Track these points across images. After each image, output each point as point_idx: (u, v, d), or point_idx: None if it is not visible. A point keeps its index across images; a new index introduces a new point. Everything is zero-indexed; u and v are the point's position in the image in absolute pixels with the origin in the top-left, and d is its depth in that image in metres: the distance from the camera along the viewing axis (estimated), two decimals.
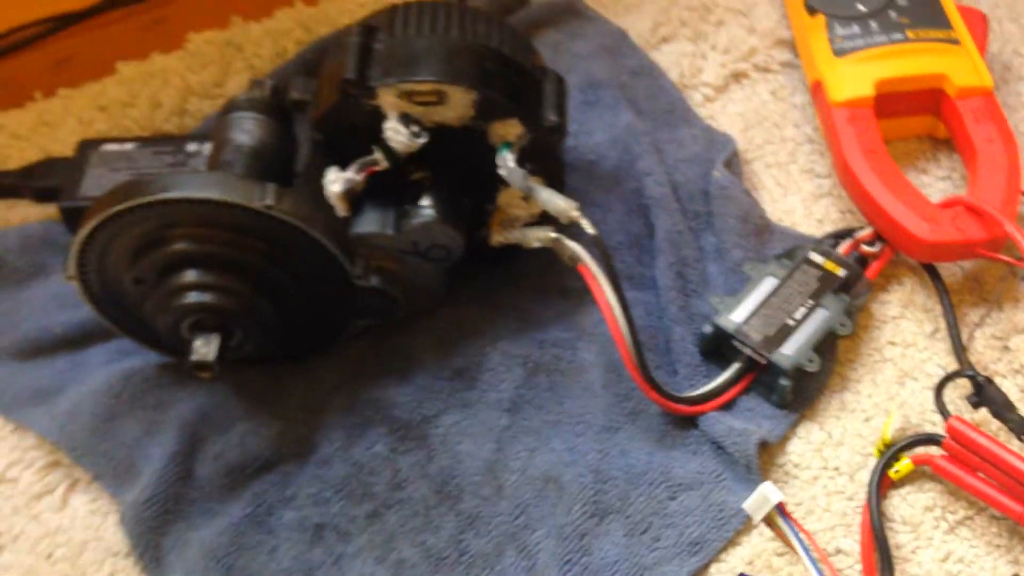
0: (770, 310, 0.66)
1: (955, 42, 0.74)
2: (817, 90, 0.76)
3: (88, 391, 0.68)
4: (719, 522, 0.62)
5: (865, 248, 0.70)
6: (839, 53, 0.74)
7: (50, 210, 0.76)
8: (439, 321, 0.70)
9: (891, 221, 0.68)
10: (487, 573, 0.62)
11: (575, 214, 0.63)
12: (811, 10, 0.77)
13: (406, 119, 0.63)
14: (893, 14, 0.76)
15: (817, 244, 0.70)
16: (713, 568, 0.62)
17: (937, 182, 0.75)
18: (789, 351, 0.65)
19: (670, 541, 0.62)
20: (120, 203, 0.60)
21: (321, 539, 0.63)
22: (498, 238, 0.68)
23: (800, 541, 0.59)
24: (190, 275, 0.62)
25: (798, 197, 0.76)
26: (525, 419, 0.67)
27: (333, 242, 0.63)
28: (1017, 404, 0.63)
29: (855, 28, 0.75)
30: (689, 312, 0.70)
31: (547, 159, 0.66)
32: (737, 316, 0.66)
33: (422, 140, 0.63)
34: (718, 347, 0.67)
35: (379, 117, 0.63)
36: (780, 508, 0.60)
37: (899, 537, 0.62)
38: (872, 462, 0.64)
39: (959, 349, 0.66)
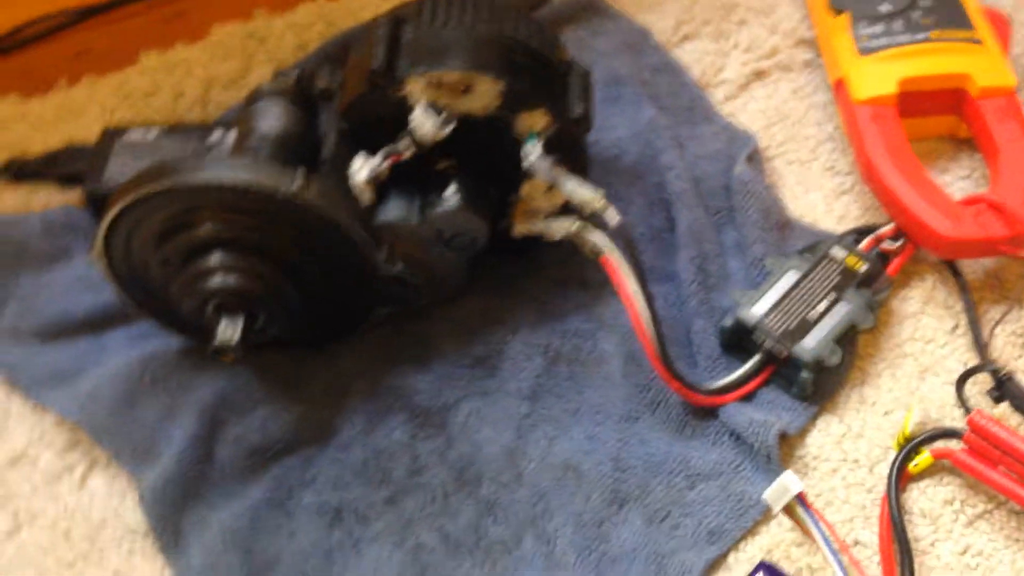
0: (791, 304, 0.67)
1: (978, 42, 0.75)
2: (840, 88, 0.76)
3: (109, 373, 0.68)
4: (738, 512, 0.62)
5: (887, 244, 0.70)
6: (863, 52, 0.75)
7: (72, 196, 0.77)
8: (460, 310, 0.71)
9: (913, 218, 0.68)
10: (505, 559, 0.62)
11: (601, 204, 0.63)
12: (835, 9, 0.78)
13: (433, 109, 0.63)
14: (917, 14, 0.76)
15: (839, 239, 0.70)
16: (731, 557, 0.62)
17: (958, 181, 0.75)
18: (810, 344, 0.65)
19: (689, 530, 0.62)
20: (149, 186, 0.61)
21: (340, 523, 0.64)
22: (520, 229, 0.68)
23: (820, 531, 0.59)
24: (215, 258, 0.63)
25: (819, 194, 0.76)
26: (545, 408, 0.67)
27: (358, 229, 0.63)
28: None
29: (879, 27, 0.76)
30: (710, 305, 0.70)
31: (572, 151, 0.66)
32: (758, 309, 0.67)
33: (448, 129, 0.63)
34: (739, 340, 0.67)
35: (406, 107, 0.63)
36: (800, 498, 0.60)
37: (918, 530, 0.62)
38: (891, 455, 0.64)
39: (980, 345, 0.67)
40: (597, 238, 0.65)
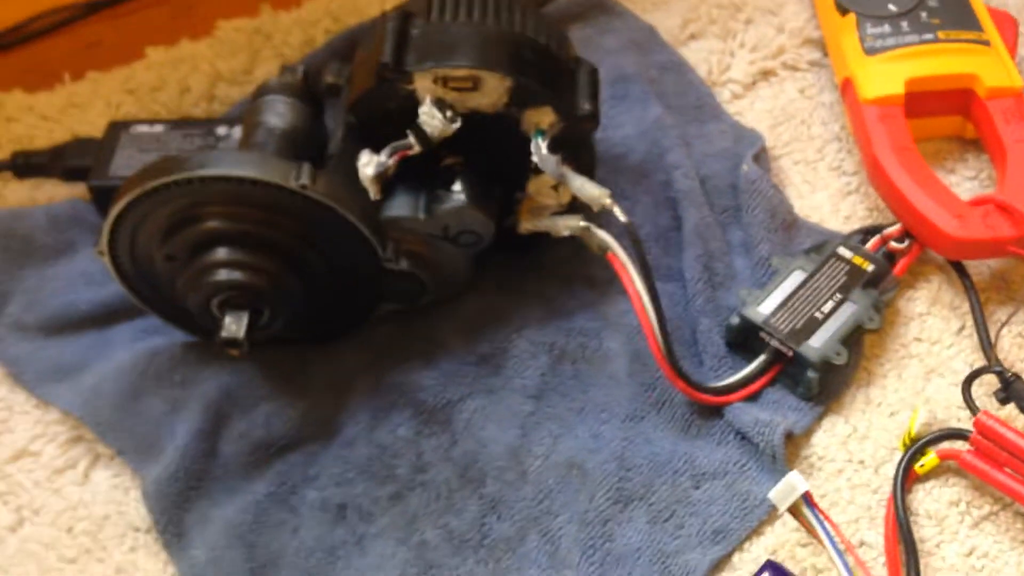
0: (798, 303, 0.66)
1: (985, 43, 0.75)
2: (847, 88, 0.76)
3: (113, 368, 0.68)
4: (743, 511, 0.62)
5: (893, 244, 0.70)
6: (870, 52, 0.75)
7: (77, 189, 0.77)
8: (465, 307, 0.71)
9: (921, 218, 0.68)
10: (509, 556, 0.62)
11: (608, 201, 0.63)
12: (842, 9, 0.78)
13: (441, 104, 0.63)
14: (924, 15, 0.76)
15: (846, 239, 0.70)
16: (736, 557, 0.62)
17: (964, 182, 0.75)
18: (817, 344, 0.65)
19: (693, 529, 0.62)
20: (156, 179, 0.61)
21: (344, 519, 0.63)
22: (527, 226, 0.68)
23: (826, 531, 0.59)
24: (221, 253, 0.63)
25: (825, 194, 0.76)
26: (550, 406, 0.67)
27: (365, 224, 0.63)
28: None
29: (886, 27, 0.76)
30: (716, 304, 0.70)
31: (579, 148, 0.66)
32: (765, 308, 0.66)
33: (456, 126, 0.63)
34: (744, 339, 0.67)
35: (414, 102, 0.63)
36: (806, 497, 0.60)
37: (923, 531, 0.61)
38: (897, 456, 0.63)
39: (987, 346, 0.66)
40: (603, 236, 0.65)
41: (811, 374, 0.64)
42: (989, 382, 0.66)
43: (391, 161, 0.63)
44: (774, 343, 0.66)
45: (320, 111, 0.72)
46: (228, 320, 0.63)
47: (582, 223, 0.66)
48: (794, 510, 0.61)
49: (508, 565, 0.62)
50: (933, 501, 0.62)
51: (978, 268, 0.71)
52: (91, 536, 0.64)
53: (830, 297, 0.67)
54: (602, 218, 0.65)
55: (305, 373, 0.68)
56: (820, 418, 0.66)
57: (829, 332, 0.65)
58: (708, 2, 0.86)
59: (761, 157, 0.77)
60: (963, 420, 0.65)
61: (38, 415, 0.69)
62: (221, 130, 0.75)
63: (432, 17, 0.65)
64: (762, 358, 0.66)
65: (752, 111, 0.81)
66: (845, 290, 0.67)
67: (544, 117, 0.64)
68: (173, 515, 0.63)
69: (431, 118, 0.62)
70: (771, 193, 0.73)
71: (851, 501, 0.63)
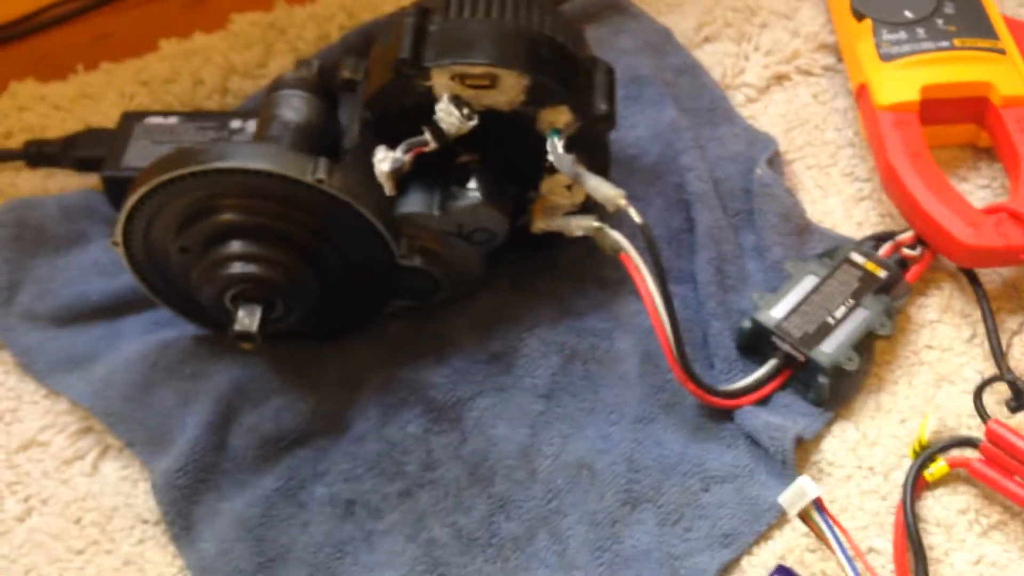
0: (810, 308, 0.66)
1: (1001, 52, 0.75)
2: (862, 94, 0.76)
3: (123, 359, 0.68)
4: (752, 515, 0.62)
5: (906, 251, 0.70)
6: (886, 58, 0.75)
7: (89, 180, 0.77)
8: (477, 306, 0.71)
9: (934, 225, 0.68)
10: (518, 556, 0.62)
11: (623, 202, 0.63)
12: (858, 15, 0.78)
13: (458, 101, 0.63)
14: (940, 22, 0.76)
15: (858, 245, 0.70)
16: (744, 561, 0.62)
17: (977, 190, 0.75)
18: (828, 349, 0.65)
19: (702, 532, 0.62)
20: (172, 170, 0.61)
21: (352, 515, 0.63)
22: (540, 225, 0.68)
23: (836, 537, 0.59)
24: (236, 246, 0.63)
25: (838, 199, 0.76)
26: (560, 406, 0.67)
27: (380, 220, 0.63)
28: None
29: (902, 34, 0.76)
30: (727, 307, 0.70)
31: (594, 148, 0.66)
32: (777, 312, 0.66)
33: (472, 123, 0.63)
34: (756, 343, 0.67)
35: (430, 98, 0.63)
36: (817, 503, 0.60)
37: (932, 538, 0.61)
38: (906, 463, 0.64)
39: (998, 354, 0.66)
40: (617, 237, 0.65)
41: (822, 379, 0.64)
42: (999, 391, 0.66)
43: (407, 157, 0.63)
44: (786, 348, 0.66)
45: (334, 106, 0.72)
46: (241, 313, 0.63)
47: (595, 223, 0.66)
48: (803, 515, 0.61)
49: (517, 564, 0.62)
50: (942, 508, 0.62)
51: (990, 276, 0.71)
52: (99, 527, 0.64)
53: (842, 303, 0.67)
54: (615, 219, 0.65)
55: (316, 368, 0.68)
56: (830, 424, 0.66)
57: (841, 338, 0.65)
58: (723, 5, 0.86)
59: (774, 161, 0.77)
60: (972, 428, 0.65)
61: (47, 405, 0.69)
62: (235, 123, 0.75)
63: (450, 13, 0.65)
64: (773, 362, 0.66)
65: (765, 115, 0.81)
66: (857, 296, 0.67)
67: (560, 116, 0.64)
68: (182, 508, 0.63)
69: (448, 115, 0.62)
70: (784, 197, 0.73)
71: (860, 507, 0.63)
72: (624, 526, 0.63)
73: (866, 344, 0.67)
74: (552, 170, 0.65)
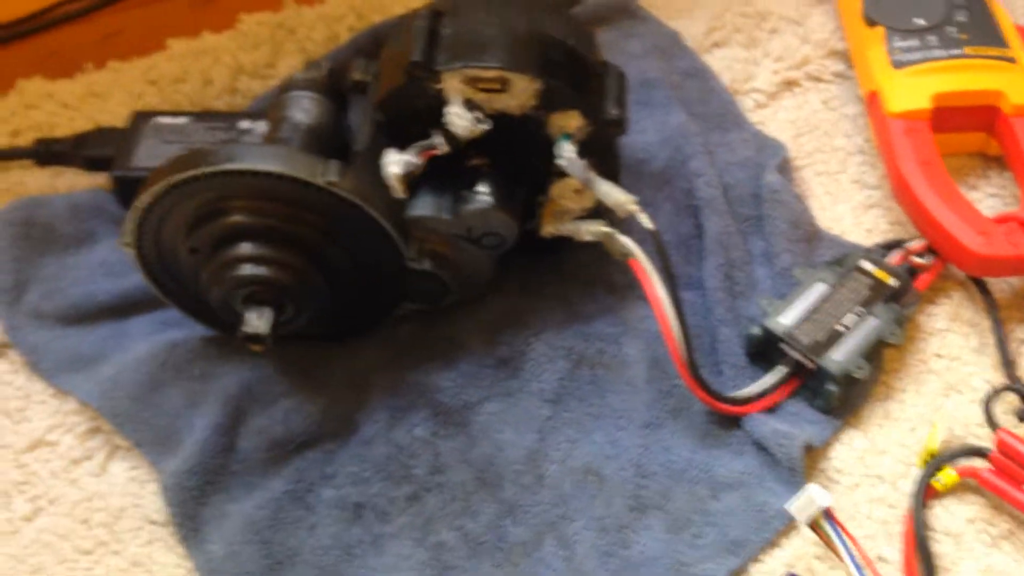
0: (820, 315, 0.66)
1: (1012, 60, 0.75)
2: (873, 101, 0.76)
3: (132, 359, 0.68)
4: (760, 523, 0.62)
5: (916, 259, 0.70)
6: (897, 65, 0.75)
7: (98, 179, 0.77)
8: (486, 310, 0.70)
9: (944, 233, 0.68)
10: (525, 561, 0.62)
11: (633, 208, 0.63)
12: (870, 22, 0.78)
13: (469, 105, 0.63)
14: (952, 30, 0.76)
15: (868, 253, 0.70)
16: (752, 569, 0.61)
17: (987, 199, 0.75)
18: (838, 357, 0.65)
19: (710, 539, 0.62)
20: (184, 172, 0.60)
21: (360, 518, 0.63)
22: (549, 229, 0.68)
23: (845, 545, 0.59)
24: (246, 248, 0.62)
25: (847, 206, 0.76)
26: (567, 411, 0.67)
27: (390, 222, 0.63)
28: None
29: (914, 41, 0.76)
30: (736, 314, 0.70)
31: (605, 153, 0.66)
32: (786, 319, 0.66)
33: (484, 127, 0.63)
34: (764, 349, 0.67)
35: (442, 101, 0.63)
36: (827, 511, 0.59)
37: (940, 547, 0.61)
38: (915, 472, 0.64)
39: (1007, 364, 0.66)
40: (626, 242, 0.65)
41: (832, 387, 0.64)
42: (1009, 401, 0.66)
43: (418, 160, 0.63)
44: (795, 355, 0.65)
45: (344, 108, 0.72)
46: (251, 315, 0.62)
47: (605, 228, 0.66)
48: (812, 523, 0.60)
49: (524, 569, 0.61)
50: (950, 517, 0.62)
51: (999, 285, 0.71)
52: (107, 528, 0.64)
53: (852, 310, 0.67)
54: (625, 224, 0.65)
55: (324, 369, 0.68)
56: (838, 431, 0.66)
57: (851, 346, 0.65)
58: (733, 10, 0.86)
59: (784, 167, 0.76)
60: (981, 438, 0.65)
61: (55, 405, 0.69)
62: (244, 124, 0.74)
63: (462, 16, 0.65)
64: (782, 369, 0.66)
65: (775, 121, 0.81)
66: (867, 304, 0.67)
67: (571, 121, 0.64)
68: (191, 509, 0.63)
69: (459, 119, 0.62)
70: (793, 204, 0.73)
71: (868, 516, 0.63)
72: (632, 532, 0.62)
73: (874, 353, 0.66)
74: (562, 174, 0.65)
